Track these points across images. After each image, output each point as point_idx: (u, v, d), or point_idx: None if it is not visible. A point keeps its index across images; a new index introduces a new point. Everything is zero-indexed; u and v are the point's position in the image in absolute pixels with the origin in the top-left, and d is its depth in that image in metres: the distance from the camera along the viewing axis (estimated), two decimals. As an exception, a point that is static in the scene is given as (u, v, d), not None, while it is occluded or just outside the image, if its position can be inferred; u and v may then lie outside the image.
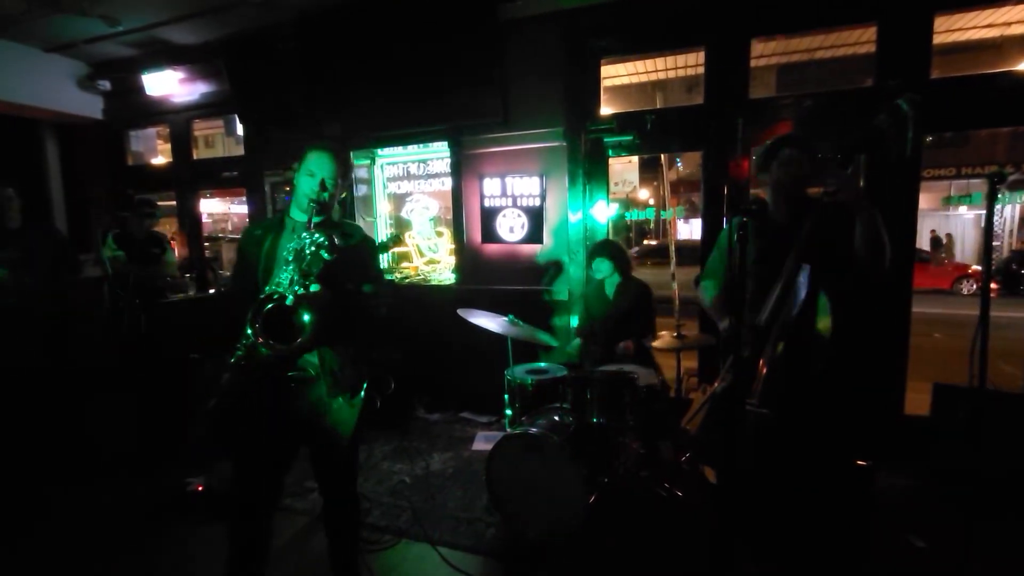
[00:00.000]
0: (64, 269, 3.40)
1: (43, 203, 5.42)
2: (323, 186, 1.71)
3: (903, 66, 2.98)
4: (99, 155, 5.51)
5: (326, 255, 1.62)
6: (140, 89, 4.85)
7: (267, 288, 1.63)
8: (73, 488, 3.00)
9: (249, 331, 1.55)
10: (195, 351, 3.28)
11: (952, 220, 14.79)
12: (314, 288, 1.61)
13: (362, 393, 1.87)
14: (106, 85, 5.06)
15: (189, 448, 3.12)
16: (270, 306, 1.54)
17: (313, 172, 1.72)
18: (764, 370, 1.67)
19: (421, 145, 4.55)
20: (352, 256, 1.77)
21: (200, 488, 2.76)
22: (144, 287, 3.58)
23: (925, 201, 13.11)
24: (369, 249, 1.91)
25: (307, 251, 1.61)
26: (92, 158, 5.54)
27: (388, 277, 1.93)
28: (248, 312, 1.56)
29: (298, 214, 1.77)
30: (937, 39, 3.07)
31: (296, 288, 1.57)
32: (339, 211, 3.45)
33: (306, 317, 1.53)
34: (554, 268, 3.89)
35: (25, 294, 3.15)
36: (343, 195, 1.93)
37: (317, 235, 1.62)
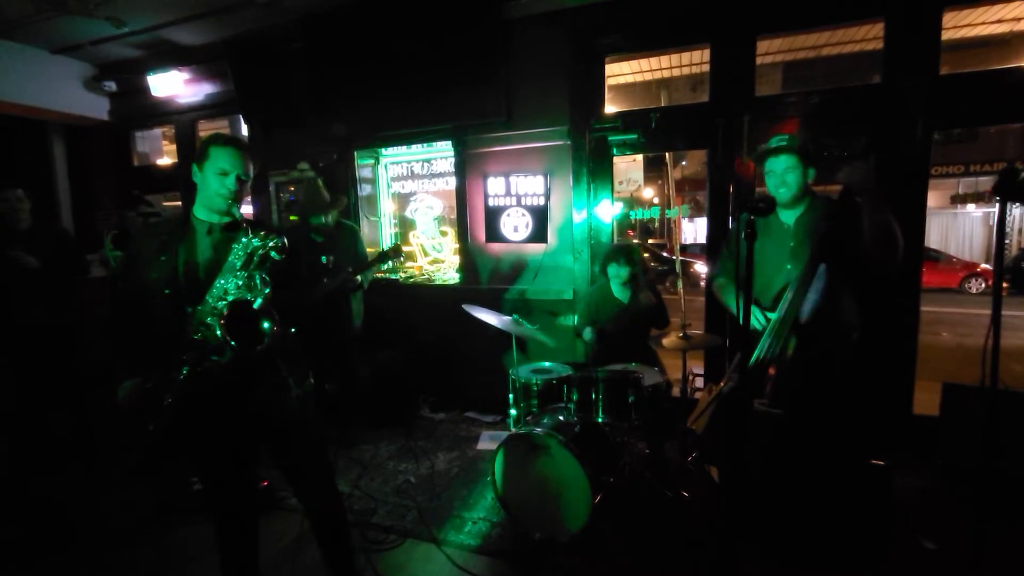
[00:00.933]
0: (71, 269, 3.43)
1: (50, 203, 5.46)
2: (239, 183, 1.65)
3: (912, 62, 2.95)
4: (105, 156, 5.55)
5: (276, 255, 1.60)
6: (146, 90, 4.87)
7: (212, 295, 1.58)
8: (79, 486, 3.02)
9: (228, 337, 1.52)
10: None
11: (960, 218, 14.66)
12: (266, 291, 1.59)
13: (311, 382, 1.84)
14: (112, 86, 5.09)
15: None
16: (237, 311, 1.53)
17: (226, 170, 1.63)
18: (772, 370, 1.65)
19: (425, 145, 4.55)
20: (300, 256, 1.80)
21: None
22: None
23: (932, 199, 12.99)
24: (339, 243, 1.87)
25: (258, 254, 1.58)
26: (98, 159, 5.57)
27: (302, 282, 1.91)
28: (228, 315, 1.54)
29: (205, 214, 1.68)
30: (946, 35, 3.04)
31: (255, 293, 1.56)
32: (336, 214, 3.47)
33: (265, 324, 1.53)
34: (536, 268, 3.89)
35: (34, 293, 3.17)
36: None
37: (270, 238, 1.60)
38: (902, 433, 3.08)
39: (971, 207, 14.18)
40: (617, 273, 3.13)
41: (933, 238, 13.67)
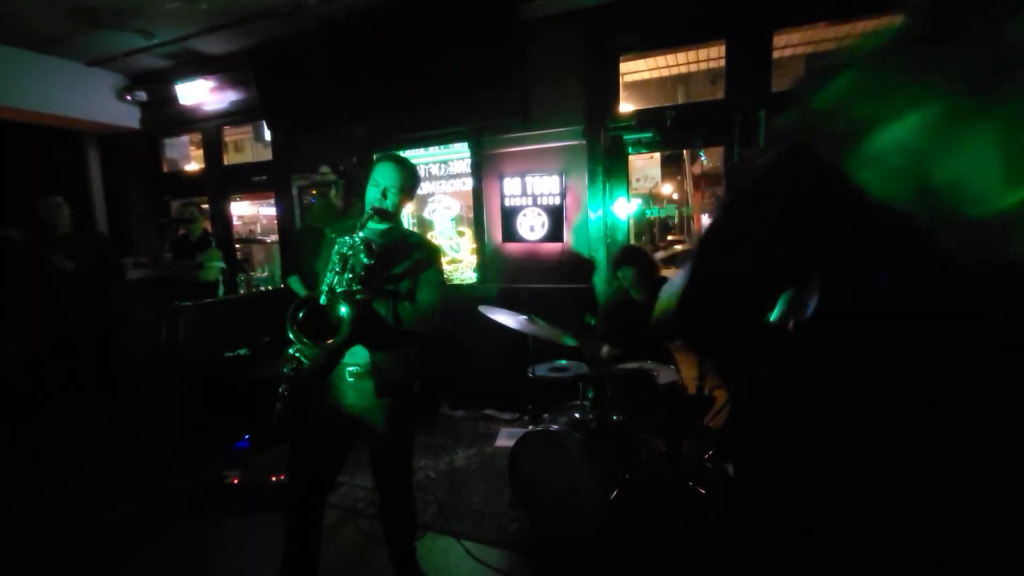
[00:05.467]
0: (108, 272, 3.60)
1: (87, 209, 5.70)
2: (384, 195, 1.79)
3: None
4: (137, 163, 5.77)
5: (365, 259, 1.67)
6: (174, 99, 5.05)
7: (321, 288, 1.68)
8: (120, 480, 3.18)
9: (289, 332, 1.60)
10: (234, 349, 3.42)
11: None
12: (354, 288, 1.66)
13: (412, 391, 1.92)
14: (143, 96, 5.29)
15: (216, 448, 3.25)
16: (305, 307, 1.61)
17: (378, 182, 1.80)
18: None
19: (442, 146, 4.61)
20: (399, 263, 1.82)
21: (236, 481, 2.89)
22: (181, 286, 3.77)
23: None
24: (425, 263, 1.88)
25: (348, 253, 1.66)
26: (130, 166, 5.80)
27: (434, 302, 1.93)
28: (287, 312, 1.62)
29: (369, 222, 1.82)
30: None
31: (336, 288, 1.62)
32: (353, 219, 3.55)
33: (343, 311, 1.58)
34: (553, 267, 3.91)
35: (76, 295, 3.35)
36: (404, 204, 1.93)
37: (358, 238, 1.67)
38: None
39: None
40: (625, 276, 3.15)
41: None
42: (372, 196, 1.80)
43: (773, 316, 1.52)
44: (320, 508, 1.94)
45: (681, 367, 2.79)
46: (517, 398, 3.75)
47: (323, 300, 1.60)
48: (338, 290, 1.62)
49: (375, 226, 1.83)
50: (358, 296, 1.65)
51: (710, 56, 5.87)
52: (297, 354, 1.66)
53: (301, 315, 1.61)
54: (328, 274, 1.67)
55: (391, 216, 1.85)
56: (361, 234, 1.67)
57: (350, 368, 1.81)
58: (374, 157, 1.85)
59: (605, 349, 3.14)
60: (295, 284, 2.90)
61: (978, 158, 0.65)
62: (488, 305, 3.11)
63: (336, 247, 1.68)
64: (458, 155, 4.69)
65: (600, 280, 3.81)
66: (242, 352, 3.52)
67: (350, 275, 1.65)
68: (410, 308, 1.79)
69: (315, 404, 1.79)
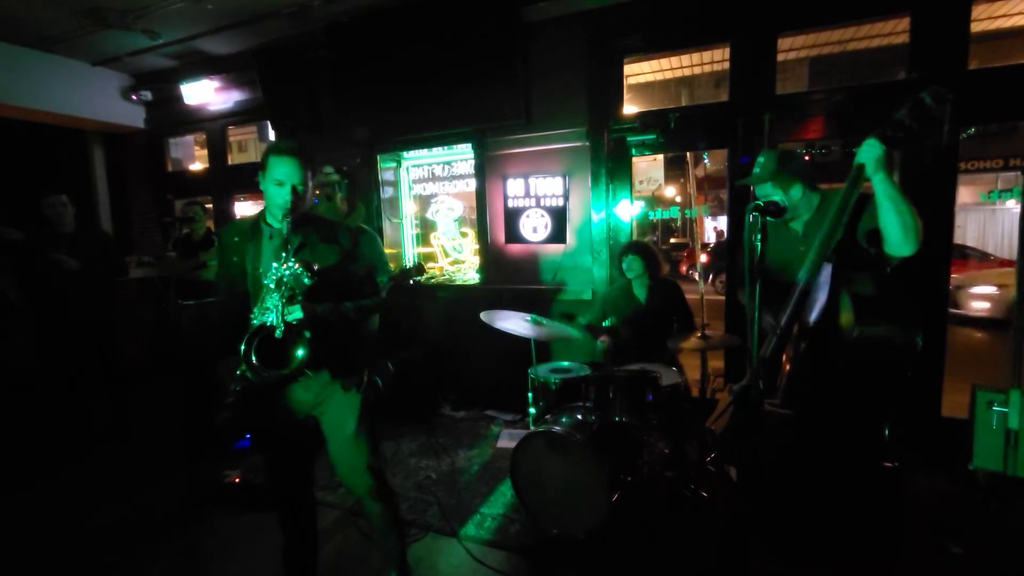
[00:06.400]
0: (112, 270, 3.61)
1: (91, 208, 5.72)
2: (295, 193, 1.65)
3: (938, 57, 2.89)
4: (141, 162, 5.79)
5: (307, 280, 1.61)
6: (179, 98, 5.06)
7: (256, 311, 1.64)
8: (120, 478, 3.18)
9: (243, 364, 1.57)
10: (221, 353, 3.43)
11: (999, 214, 14.08)
12: (297, 313, 1.61)
13: (364, 379, 1.87)
14: (147, 95, 5.31)
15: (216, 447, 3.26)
16: (259, 339, 1.58)
17: (282, 181, 1.65)
18: (788, 367, 1.66)
19: (445, 147, 4.62)
20: (338, 268, 1.75)
21: (236, 480, 2.89)
22: (184, 285, 3.78)
23: (969, 195, 12.51)
24: (357, 249, 1.80)
25: (286, 280, 1.59)
26: (135, 165, 5.82)
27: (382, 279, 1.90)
28: (242, 339, 1.59)
29: (273, 220, 1.73)
30: (975, 27, 2.96)
31: (284, 315, 1.58)
32: (363, 213, 3.52)
33: (299, 352, 1.57)
34: (555, 268, 3.93)
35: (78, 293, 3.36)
36: (319, 190, 1.87)
37: (292, 265, 1.59)
38: (930, 436, 3.01)
39: (1010, 203, 13.60)
40: (630, 266, 3.14)
41: (970, 235, 13.16)
42: (281, 198, 1.65)
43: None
44: (307, 494, 1.93)
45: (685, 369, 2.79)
46: (519, 399, 3.74)
47: (279, 334, 1.57)
48: (292, 319, 1.59)
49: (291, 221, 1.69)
50: (305, 333, 1.60)
51: (714, 59, 5.89)
52: (247, 373, 1.62)
53: (254, 348, 1.58)
54: (270, 298, 1.60)
55: (304, 207, 1.74)
56: (292, 261, 1.60)
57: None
58: (267, 150, 1.70)
59: (603, 339, 3.13)
60: None
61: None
62: (490, 306, 3.11)
63: (272, 273, 1.60)
64: (461, 156, 4.70)
65: (603, 281, 3.80)
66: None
67: (291, 297, 1.61)
68: (351, 306, 1.75)
69: (268, 406, 1.77)
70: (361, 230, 3.61)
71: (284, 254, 1.61)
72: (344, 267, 1.77)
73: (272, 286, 1.60)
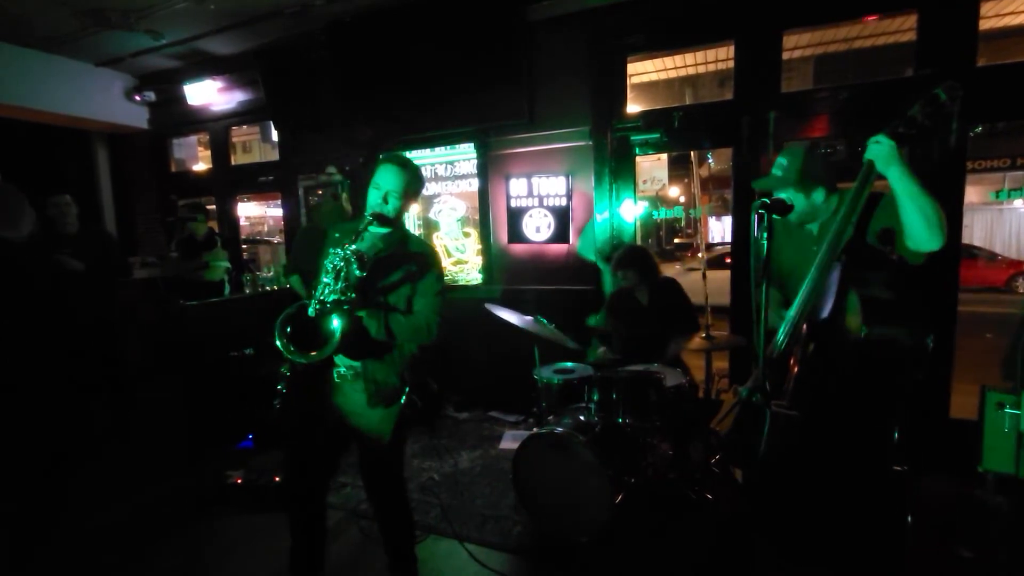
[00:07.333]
0: (115, 271, 3.61)
1: (95, 209, 5.74)
2: (386, 199, 1.75)
3: (946, 54, 2.85)
4: (145, 163, 5.81)
5: (357, 271, 1.65)
6: (182, 99, 5.07)
7: (313, 294, 1.68)
8: (123, 478, 3.17)
9: (277, 341, 1.59)
10: (236, 349, 3.42)
11: (1006, 214, 13.96)
12: (344, 297, 1.64)
13: (402, 400, 1.89)
14: (151, 96, 5.32)
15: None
16: (293, 320, 1.61)
17: (379, 185, 1.76)
18: (795, 369, 1.63)
19: (448, 147, 4.60)
20: (393, 273, 1.78)
21: (239, 481, 2.88)
22: (187, 285, 3.77)
23: (976, 195, 12.40)
24: (419, 273, 1.82)
25: (340, 265, 1.64)
26: (138, 166, 5.84)
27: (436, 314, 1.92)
28: (276, 321, 1.61)
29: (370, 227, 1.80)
30: (984, 24, 2.93)
31: (327, 297, 1.61)
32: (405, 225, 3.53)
33: (334, 324, 1.58)
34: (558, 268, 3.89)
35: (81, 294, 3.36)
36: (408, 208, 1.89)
37: (349, 250, 1.65)
38: (939, 438, 2.97)
39: (1018, 202, 13.49)
40: (625, 277, 3.11)
41: (977, 235, 13.05)
42: (373, 200, 1.77)
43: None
44: (322, 501, 1.93)
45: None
46: (522, 400, 3.72)
47: (312, 312, 1.59)
48: (329, 301, 1.61)
49: (376, 230, 1.81)
50: (346, 307, 1.63)
51: (718, 57, 5.85)
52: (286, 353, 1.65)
53: (289, 328, 1.61)
54: (320, 284, 1.66)
55: (391, 221, 1.81)
56: (353, 246, 1.65)
57: (339, 370, 1.79)
58: (379, 157, 1.82)
59: (602, 350, 3.11)
60: (296, 283, 2.89)
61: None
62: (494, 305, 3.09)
63: (329, 257, 1.67)
64: (464, 156, 4.68)
65: (606, 282, 3.78)
66: (247, 351, 3.52)
67: (343, 284, 1.64)
68: (404, 321, 1.76)
69: (308, 401, 1.79)
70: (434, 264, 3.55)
71: (347, 242, 1.67)
72: (398, 285, 1.80)
73: (329, 268, 1.66)
